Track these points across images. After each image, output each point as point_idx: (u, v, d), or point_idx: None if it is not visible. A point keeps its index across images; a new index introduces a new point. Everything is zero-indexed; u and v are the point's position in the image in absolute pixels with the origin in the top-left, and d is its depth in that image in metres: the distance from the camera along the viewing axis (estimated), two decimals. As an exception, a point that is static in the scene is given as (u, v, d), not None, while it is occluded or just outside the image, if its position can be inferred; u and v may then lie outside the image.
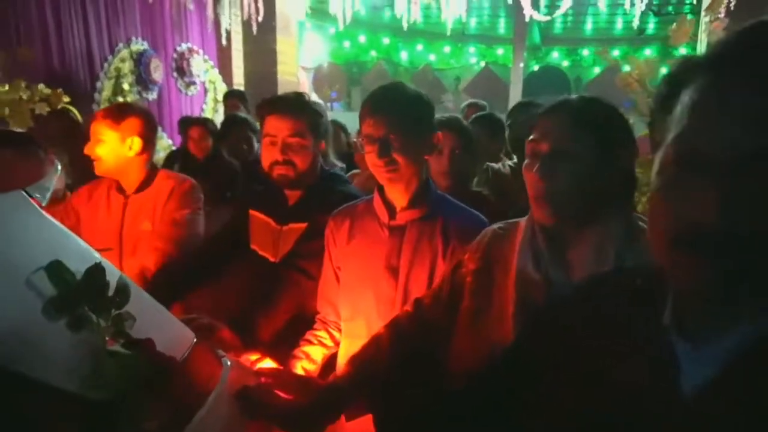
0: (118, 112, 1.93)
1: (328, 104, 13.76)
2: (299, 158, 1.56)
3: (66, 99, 4.04)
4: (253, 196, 1.76)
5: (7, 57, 3.91)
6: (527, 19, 6.45)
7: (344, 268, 1.41)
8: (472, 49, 14.51)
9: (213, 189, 2.85)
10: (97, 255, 0.90)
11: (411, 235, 1.33)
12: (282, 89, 7.38)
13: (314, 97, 10.70)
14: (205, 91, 6.76)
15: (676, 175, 0.51)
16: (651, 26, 11.67)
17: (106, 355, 0.77)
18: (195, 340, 1.07)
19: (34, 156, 0.88)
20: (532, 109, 2.44)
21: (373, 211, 1.39)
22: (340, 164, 3.33)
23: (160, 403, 0.77)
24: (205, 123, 3.78)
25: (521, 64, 10.31)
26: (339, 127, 3.89)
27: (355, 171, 2.92)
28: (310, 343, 1.42)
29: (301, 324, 1.46)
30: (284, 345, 1.39)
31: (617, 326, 0.63)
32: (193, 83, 6.48)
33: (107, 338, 0.81)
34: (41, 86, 3.98)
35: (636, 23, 5.51)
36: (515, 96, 10.04)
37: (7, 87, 3.77)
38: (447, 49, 14.29)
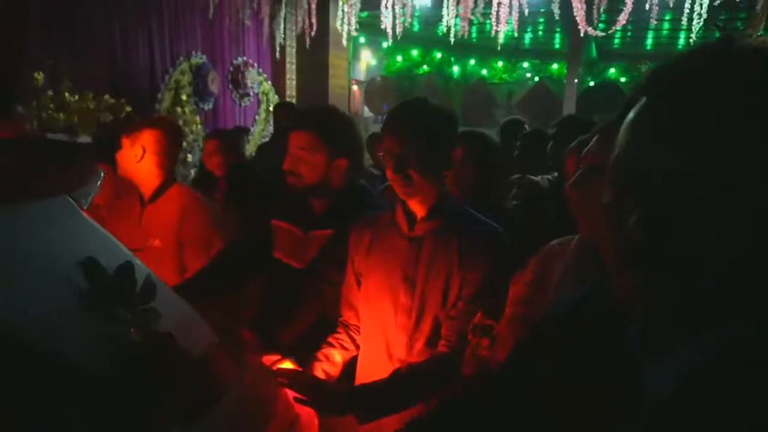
0: (135, 124, 2.09)
1: (379, 117, 13.96)
2: (306, 170, 1.59)
3: (128, 108, 4.31)
4: (276, 206, 1.82)
5: (77, 69, 4.21)
6: (582, 35, 6.34)
7: (365, 276, 1.45)
8: (526, 65, 14.36)
9: (227, 201, 2.96)
10: (128, 253, 0.98)
11: (428, 247, 1.35)
12: (333, 102, 7.56)
13: (366, 111, 10.82)
14: (258, 102, 7.02)
15: (614, 196, 0.53)
16: (716, 42, 11.18)
17: (128, 344, 0.84)
18: (216, 339, 1.14)
19: (79, 165, 0.98)
20: (576, 125, 2.44)
21: (395, 221, 1.42)
22: (376, 172, 3.38)
23: (172, 396, 0.83)
24: (220, 137, 3.55)
25: (575, 80, 10.10)
26: (373, 137, 3.88)
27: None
28: (332, 346, 1.46)
29: (323, 328, 1.51)
30: (306, 348, 1.44)
31: (596, 338, 0.65)
32: (247, 95, 6.75)
33: (132, 330, 0.89)
34: (107, 97, 4.28)
35: (693, 36, 5.30)
36: (569, 112, 9.86)
37: (76, 97, 4.07)
38: (500, 64, 14.19)
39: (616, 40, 12.46)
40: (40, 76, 3.83)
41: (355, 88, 12.34)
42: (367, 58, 14.09)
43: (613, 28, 5.98)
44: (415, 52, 13.80)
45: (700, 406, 0.48)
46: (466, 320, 1.28)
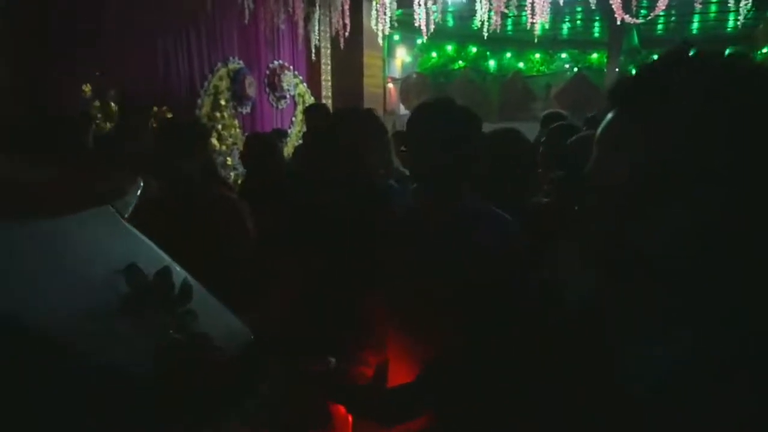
0: None
1: (415, 114, 13.91)
2: None
3: (169, 115, 4.47)
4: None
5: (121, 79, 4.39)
6: (619, 23, 6.17)
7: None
8: (564, 55, 14.04)
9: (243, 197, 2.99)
10: (166, 258, 1.03)
11: None
12: (368, 101, 7.61)
13: (401, 108, 10.82)
14: (295, 104, 7.13)
15: (590, 203, 0.57)
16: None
17: (168, 344, 0.89)
18: (251, 338, 1.18)
19: (120, 176, 1.04)
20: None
21: None
22: (405, 171, 3.39)
23: (208, 395, 0.87)
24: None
25: (616, 69, 9.81)
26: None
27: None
28: (365, 347, 1.49)
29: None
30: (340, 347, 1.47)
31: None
32: (284, 97, 6.87)
33: (171, 331, 0.94)
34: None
35: (741, 20, 5.07)
36: (609, 102, 9.60)
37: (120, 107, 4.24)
38: (537, 56, 13.92)
39: (660, 26, 12.00)
40: (87, 88, 4.03)
41: (390, 86, 12.35)
42: (402, 56, 14.07)
43: (652, 14, 5.79)
44: (449, 48, 13.71)
45: (682, 404, 0.51)
46: None
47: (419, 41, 13.24)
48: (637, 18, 5.96)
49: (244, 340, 1.15)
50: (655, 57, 0.59)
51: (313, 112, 3.98)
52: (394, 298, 1.48)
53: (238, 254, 2.04)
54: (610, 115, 0.58)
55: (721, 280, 0.52)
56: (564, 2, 5.67)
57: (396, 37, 12.49)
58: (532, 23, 5.90)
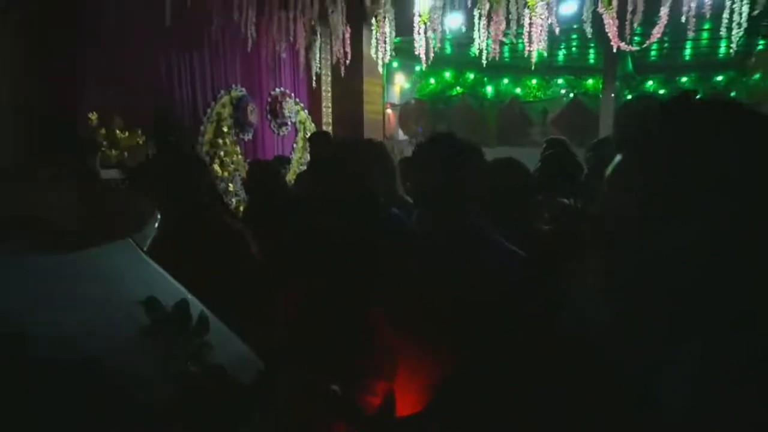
0: None
1: (413, 139, 14.07)
2: None
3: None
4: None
5: (127, 107, 4.46)
6: (615, 50, 6.30)
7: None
8: (560, 81, 14.26)
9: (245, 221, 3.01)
10: (183, 291, 1.05)
11: None
12: (368, 128, 7.71)
13: (400, 134, 10.93)
14: (296, 131, 7.22)
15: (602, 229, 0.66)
16: (761, 48, 10.87)
17: (185, 375, 0.91)
18: (263, 368, 1.19)
19: (140, 210, 1.07)
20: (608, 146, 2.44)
21: None
22: (409, 200, 3.43)
23: (224, 424, 0.89)
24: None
25: (612, 95, 9.96)
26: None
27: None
28: (374, 374, 1.50)
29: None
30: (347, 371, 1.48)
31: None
32: (285, 124, 6.95)
33: (188, 362, 0.95)
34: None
35: (733, 47, 5.18)
36: (605, 128, 9.70)
37: (126, 134, 4.30)
38: (534, 81, 14.15)
39: (653, 53, 12.24)
40: (94, 116, 4.09)
41: (389, 111, 12.52)
42: (400, 82, 14.28)
43: (648, 42, 5.91)
44: (447, 74, 13.93)
45: (691, 410, 0.56)
46: None
47: (417, 68, 13.47)
48: (632, 45, 6.08)
49: (255, 370, 1.17)
50: (659, 99, 0.66)
51: (316, 140, 4.03)
52: (399, 318, 1.50)
53: (243, 278, 2.06)
54: (618, 159, 0.66)
55: (728, 287, 0.58)
56: (560, 30, 5.79)
57: (395, 64, 12.71)
58: (529, 51, 6.02)
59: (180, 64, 5.37)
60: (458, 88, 14.18)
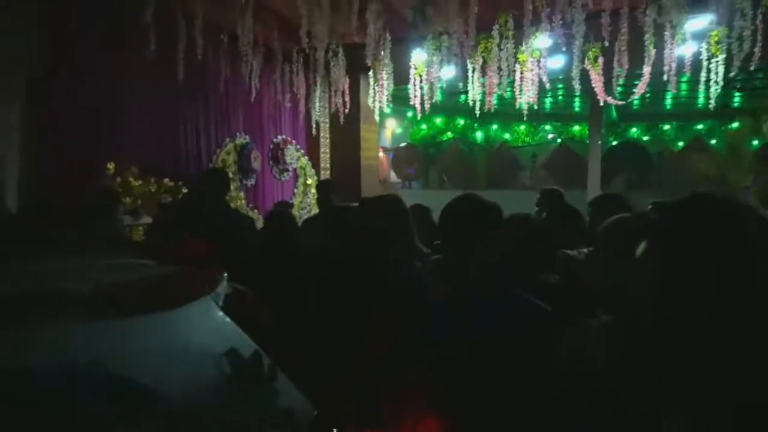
0: None
1: (406, 183, 14.35)
2: None
3: (184, 190, 4.67)
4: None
5: (140, 157, 4.63)
6: (602, 104, 6.64)
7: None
8: (548, 127, 14.77)
9: None
10: (252, 343, 1.19)
11: None
12: (364, 173, 7.94)
13: (392, 176, 11.11)
14: (296, 176, 7.41)
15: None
16: (736, 100, 11.45)
17: (263, 419, 1.04)
18: (314, 412, 1.32)
19: (215, 272, 1.21)
20: (610, 203, 2.63)
21: None
22: (425, 250, 3.57)
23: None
24: None
25: (598, 142, 10.35)
26: (423, 210, 3.61)
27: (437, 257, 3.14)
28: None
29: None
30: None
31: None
32: (287, 170, 7.16)
33: (263, 407, 1.08)
34: (166, 180, 4.66)
35: (712, 101, 5.51)
36: (594, 172, 10.03)
37: (140, 182, 4.45)
38: (522, 127, 14.63)
39: (636, 102, 12.79)
40: (111, 167, 4.25)
41: (381, 155, 12.84)
42: (392, 126, 14.68)
43: (631, 97, 6.26)
44: (438, 120, 14.38)
45: None
46: None
47: (409, 114, 13.89)
48: (616, 99, 6.42)
49: (308, 414, 1.30)
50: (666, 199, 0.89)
51: (324, 188, 4.23)
52: (425, 377, 1.62)
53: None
54: (642, 247, 0.85)
55: (734, 337, 0.74)
56: (548, 81, 6.10)
57: (387, 110, 13.12)
58: (520, 101, 6.34)
59: (188, 114, 5.59)
60: (449, 133, 14.61)
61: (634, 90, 5.83)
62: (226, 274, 1.24)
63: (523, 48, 5.65)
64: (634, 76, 5.91)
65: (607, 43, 5.08)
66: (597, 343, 1.44)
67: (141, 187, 4.43)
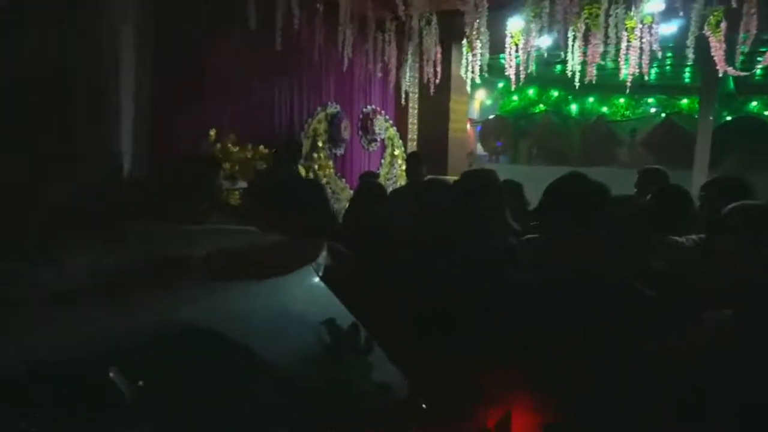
0: None
1: (493, 156, 14.00)
2: None
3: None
4: None
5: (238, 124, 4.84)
6: (720, 75, 6.02)
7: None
8: (651, 100, 13.70)
9: None
10: (349, 315, 1.20)
11: None
12: (452, 145, 7.80)
13: (479, 149, 10.89)
14: (384, 147, 7.44)
15: None
16: None
17: (362, 392, 1.05)
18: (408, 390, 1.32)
19: (317, 242, 1.24)
20: (734, 186, 2.40)
21: None
22: (516, 226, 3.46)
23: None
24: None
25: (710, 117, 9.45)
26: (514, 186, 3.45)
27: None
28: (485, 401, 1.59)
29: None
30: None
31: None
32: (375, 140, 7.20)
33: (360, 378, 1.10)
34: (261, 147, 4.85)
35: None
36: (702, 150, 9.20)
37: (237, 148, 4.66)
38: (622, 100, 13.67)
39: (758, 72, 11.50)
40: (213, 133, 4.49)
41: (467, 127, 12.58)
42: (480, 98, 14.28)
43: (758, 66, 5.62)
44: (531, 91, 13.78)
45: None
46: None
47: (500, 84, 13.41)
48: (738, 69, 5.79)
49: (402, 388, 1.30)
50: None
51: (413, 161, 4.22)
52: (517, 353, 1.58)
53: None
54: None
55: None
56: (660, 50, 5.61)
57: (478, 80, 12.75)
58: (625, 73, 5.90)
59: (283, 84, 5.75)
60: (541, 105, 13.98)
61: (759, 58, 5.21)
62: (325, 245, 1.26)
63: (633, 13, 5.21)
64: (759, 42, 5.28)
65: (734, 4, 4.54)
66: (712, 338, 1.33)
67: (238, 153, 4.64)
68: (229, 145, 4.60)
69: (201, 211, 2.27)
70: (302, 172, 5.38)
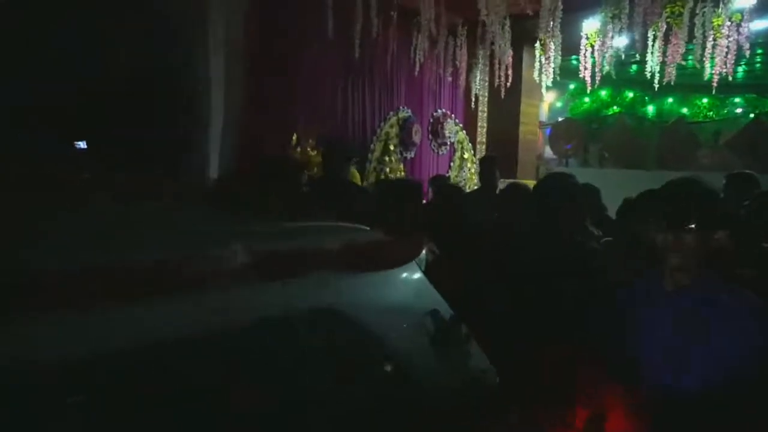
0: None
1: (563, 159, 13.64)
2: None
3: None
4: None
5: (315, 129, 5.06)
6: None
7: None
8: (737, 100, 12.89)
9: None
10: (449, 308, 1.29)
11: None
12: (523, 148, 7.73)
13: (548, 152, 10.65)
14: (453, 150, 7.48)
15: None
16: None
17: (467, 380, 1.14)
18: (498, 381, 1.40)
19: (418, 239, 1.35)
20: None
21: None
22: (596, 232, 3.41)
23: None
24: None
25: (806, 118, 8.80)
26: (591, 190, 3.37)
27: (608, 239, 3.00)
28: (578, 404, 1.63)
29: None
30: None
31: None
32: (444, 144, 7.27)
33: (460, 366, 1.18)
34: (337, 151, 5.03)
35: None
36: (796, 154, 8.60)
37: (315, 152, 4.87)
38: (705, 100, 12.95)
39: None
40: (294, 139, 4.73)
41: (538, 130, 12.33)
42: (550, 100, 13.96)
43: None
44: (604, 93, 13.33)
45: None
46: None
47: (571, 86, 13.07)
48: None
49: (493, 382, 1.38)
50: None
51: (490, 162, 4.26)
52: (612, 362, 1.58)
53: None
54: None
55: None
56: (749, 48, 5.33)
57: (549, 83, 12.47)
58: (709, 72, 5.64)
59: (358, 90, 5.94)
60: (615, 107, 13.48)
61: None
62: (425, 243, 1.36)
63: (720, 10, 4.99)
64: None
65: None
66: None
67: (317, 157, 4.85)
68: (309, 149, 4.82)
69: (295, 211, 2.42)
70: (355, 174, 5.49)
